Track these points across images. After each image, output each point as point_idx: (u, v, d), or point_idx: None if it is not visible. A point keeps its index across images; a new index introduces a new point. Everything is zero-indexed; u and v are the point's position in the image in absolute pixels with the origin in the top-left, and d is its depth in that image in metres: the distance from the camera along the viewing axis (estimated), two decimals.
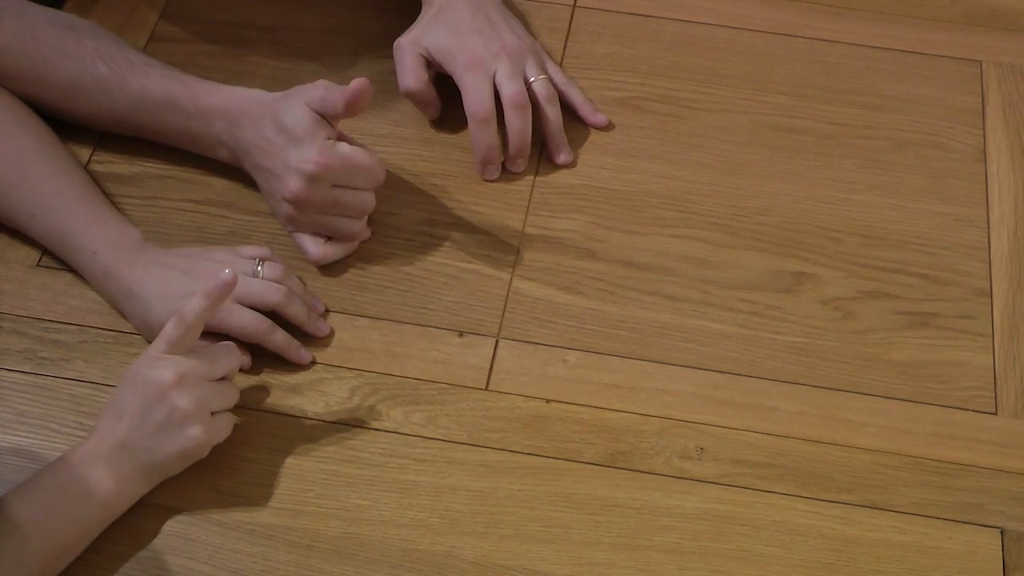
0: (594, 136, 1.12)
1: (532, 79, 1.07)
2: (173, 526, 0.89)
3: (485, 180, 1.08)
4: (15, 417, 0.94)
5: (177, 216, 1.05)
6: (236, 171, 1.07)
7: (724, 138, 1.12)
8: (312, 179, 0.97)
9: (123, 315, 0.98)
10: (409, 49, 1.08)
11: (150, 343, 0.96)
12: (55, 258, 1.02)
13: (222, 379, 0.91)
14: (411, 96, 1.08)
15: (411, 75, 1.07)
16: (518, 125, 1.06)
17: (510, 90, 1.05)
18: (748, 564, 0.89)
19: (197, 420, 0.87)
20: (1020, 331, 1.02)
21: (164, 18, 1.19)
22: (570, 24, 1.21)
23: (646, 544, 0.90)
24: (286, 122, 0.97)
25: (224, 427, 0.90)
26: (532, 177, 1.09)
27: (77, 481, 0.86)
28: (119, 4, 1.18)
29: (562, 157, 1.09)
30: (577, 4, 1.22)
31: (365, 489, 0.92)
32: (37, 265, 1.02)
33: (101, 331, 0.99)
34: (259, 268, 0.97)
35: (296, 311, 0.97)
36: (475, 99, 1.05)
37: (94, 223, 0.99)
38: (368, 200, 1.01)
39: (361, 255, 1.04)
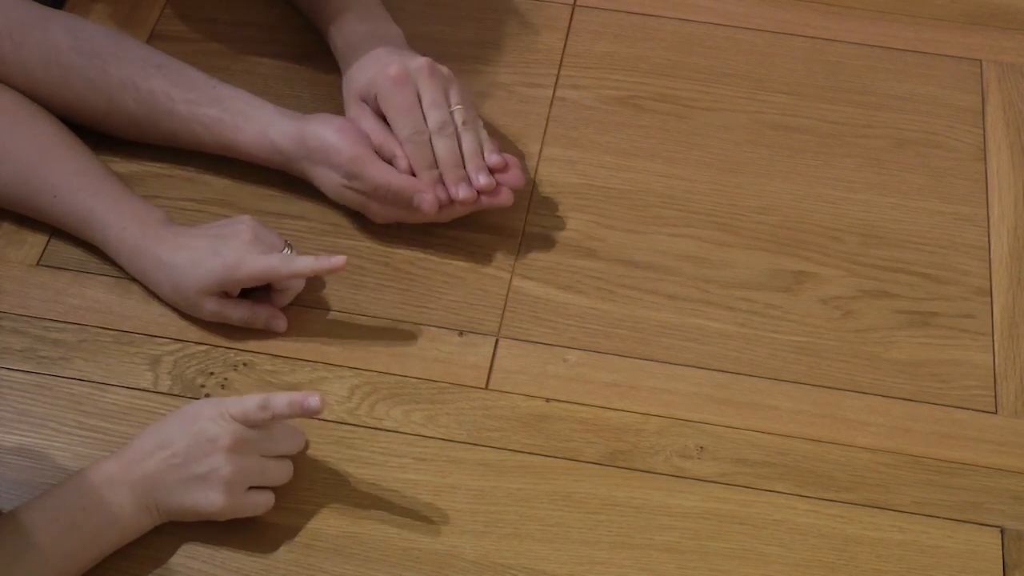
0: (594, 135, 1.12)
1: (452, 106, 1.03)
2: (173, 525, 0.89)
3: (457, 201, 1.01)
4: (15, 416, 0.94)
5: (177, 215, 1.05)
6: (237, 170, 1.07)
7: (724, 137, 1.12)
8: None
9: (152, 288, 0.99)
10: (352, 108, 1.04)
11: (182, 309, 0.98)
12: (57, 255, 1.02)
13: (277, 457, 0.90)
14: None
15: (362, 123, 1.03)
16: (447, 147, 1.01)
17: (436, 116, 1.01)
18: (748, 563, 0.89)
19: (227, 490, 0.86)
20: (1020, 330, 1.01)
21: (164, 17, 1.19)
22: (570, 23, 1.21)
23: (646, 543, 0.90)
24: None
25: (259, 503, 0.88)
26: (532, 177, 1.09)
27: (101, 504, 0.85)
28: (120, 3, 1.18)
29: (479, 181, 1.01)
30: (577, 3, 1.22)
31: (365, 488, 0.92)
32: (37, 264, 1.02)
33: (101, 330, 0.99)
34: (287, 249, 0.98)
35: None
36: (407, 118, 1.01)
37: (120, 201, 0.99)
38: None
39: (361, 255, 1.04)
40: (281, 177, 1.07)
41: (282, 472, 0.90)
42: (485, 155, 1.01)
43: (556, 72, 1.17)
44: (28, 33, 1.03)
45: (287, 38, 1.17)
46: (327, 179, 1.02)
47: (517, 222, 1.06)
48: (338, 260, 0.94)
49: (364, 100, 1.03)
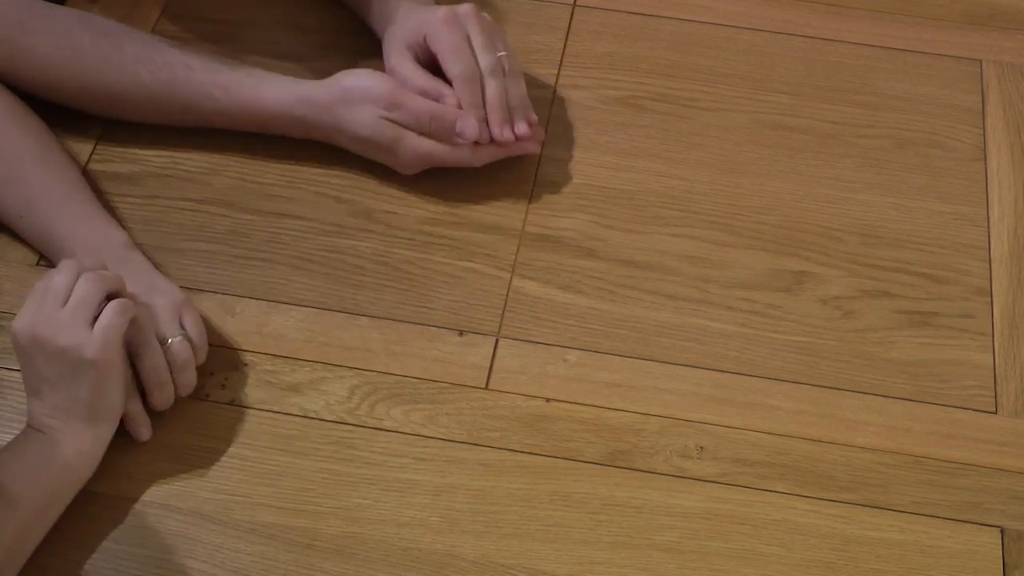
0: (594, 135, 1.12)
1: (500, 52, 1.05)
2: (173, 525, 0.89)
3: (498, 141, 1.04)
4: (15, 416, 0.94)
5: (177, 215, 1.05)
6: (237, 170, 1.07)
7: (724, 137, 1.12)
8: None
9: None
10: (395, 57, 1.06)
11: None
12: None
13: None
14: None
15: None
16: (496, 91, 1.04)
17: (488, 58, 1.04)
18: (748, 563, 0.89)
19: (80, 343, 0.86)
20: (1020, 330, 1.02)
21: (164, 17, 1.19)
22: (570, 23, 1.21)
23: (646, 543, 0.90)
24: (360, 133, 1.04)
25: (111, 321, 0.87)
26: (532, 177, 1.09)
27: (33, 443, 0.87)
28: (119, 2, 1.18)
29: (519, 128, 1.04)
30: (577, 3, 1.22)
31: (365, 488, 0.92)
32: (37, 264, 1.02)
33: None
34: (173, 340, 0.93)
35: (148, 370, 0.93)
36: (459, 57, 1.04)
37: (76, 224, 0.99)
38: None
39: (361, 255, 1.04)
40: (281, 177, 1.07)
41: (96, 281, 0.89)
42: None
43: (556, 72, 1.17)
44: (37, 20, 1.03)
45: (287, 38, 1.17)
46: (362, 115, 1.03)
47: (517, 222, 1.06)
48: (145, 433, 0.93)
49: (409, 47, 1.05)
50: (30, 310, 0.88)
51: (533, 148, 1.06)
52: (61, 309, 0.88)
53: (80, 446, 0.88)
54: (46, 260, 1.02)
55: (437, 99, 1.03)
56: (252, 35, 1.18)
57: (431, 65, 1.05)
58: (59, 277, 0.89)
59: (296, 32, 1.18)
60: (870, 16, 1.22)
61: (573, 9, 1.22)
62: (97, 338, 0.87)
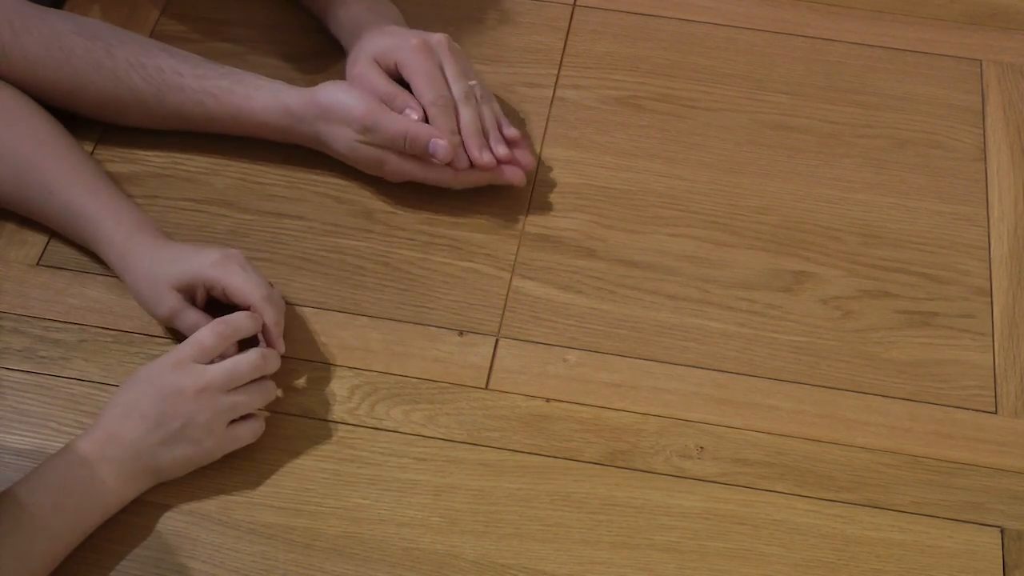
0: (594, 135, 1.12)
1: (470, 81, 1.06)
2: (173, 525, 0.89)
3: (479, 165, 1.03)
4: (15, 416, 0.94)
5: (177, 215, 1.05)
6: (237, 170, 1.07)
7: (724, 137, 1.12)
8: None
9: (129, 283, 0.98)
10: (362, 64, 1.06)
11: (144, 306, 0.97)
12: (57, 255, 1.02)
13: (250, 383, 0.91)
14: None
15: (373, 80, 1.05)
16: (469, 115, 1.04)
17: (460, 86, 1.04)
18: (748, 563, 0.89)
19: (211, 433, 0.88)
20: (1020, 330, 1.02)
21: (165, 16, 1.19)
22: (570, 23, 1.21)
23: (646, 543, 0.90)
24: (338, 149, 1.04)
25: (243, 435, 0.90)
26: (532, 177, 1.09)
27: (82, 481, 0.86)
28: (119, 3, 1.18)
29: (499, 150, 1.04)
30: (577, 3, 1.22)
31: (365, 488, 0.92)
32: (37, 264, 1.02)
33: (101, 330, 0.99)
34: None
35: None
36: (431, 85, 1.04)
37: (115, 199, 0.99)
38: None
39: (361, 255, 1.04)
40: (281, 178, 1.07)
41: (260, 395, 0.91)
42: (503, 129, 1.05)
43: (556, 72, 1.17)
44: (28, 21, 1.03)
45: (287, 38, 1.17)
46: (341, 136, 1.03)
47: (517, 222, 1.06)
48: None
49: (378, 62, 1.05)
50: (202, 374, 0.88)
51: (519, 180, 1.04)
52: (225, 395, 0.88)
53: (125, 494, 0.88)
54: (47, 260, 1.02)
55: (402, 109, 1.02)
56: (252, 35, 1.18)
57: None
58: (251, 364, 0.90)
59: (296, 32, 1.18)
60: (870, 16, 1.22)
61: (573, 9, 1.22)
62: (226, 447, 0.89)
